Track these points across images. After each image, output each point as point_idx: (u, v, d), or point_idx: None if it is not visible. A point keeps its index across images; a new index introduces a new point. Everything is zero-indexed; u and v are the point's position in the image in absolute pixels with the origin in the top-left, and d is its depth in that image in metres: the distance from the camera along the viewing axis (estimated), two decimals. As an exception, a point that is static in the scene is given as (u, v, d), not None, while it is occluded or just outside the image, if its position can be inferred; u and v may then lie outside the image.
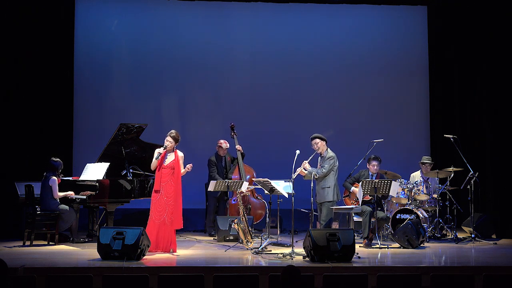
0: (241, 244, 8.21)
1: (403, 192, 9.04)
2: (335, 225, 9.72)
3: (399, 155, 10.96)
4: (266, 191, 8.08)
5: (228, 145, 9.84)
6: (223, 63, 11.28)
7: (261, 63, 11.31)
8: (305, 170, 8.23)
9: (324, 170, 8.26)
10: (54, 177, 8.53)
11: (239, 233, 8.03)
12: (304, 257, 7.24)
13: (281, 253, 7.47)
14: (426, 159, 9.61)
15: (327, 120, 11.25)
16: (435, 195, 9.26)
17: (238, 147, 9.82)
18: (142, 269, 6.55)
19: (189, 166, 7.80)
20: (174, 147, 7.87)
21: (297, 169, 8.10)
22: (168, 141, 7.81)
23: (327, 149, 8.46)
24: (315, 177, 8.20)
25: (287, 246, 8.06)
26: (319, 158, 8.53)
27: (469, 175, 9.16)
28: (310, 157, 8.24)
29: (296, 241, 8.20)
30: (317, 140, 8.41)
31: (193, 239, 9.25)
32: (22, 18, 10.26)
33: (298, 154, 7.98)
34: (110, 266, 6.63)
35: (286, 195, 7.93)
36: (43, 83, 10.44)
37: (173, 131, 7.89)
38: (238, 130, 10.09)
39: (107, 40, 11.10)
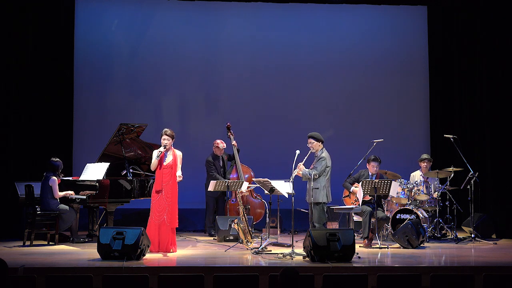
0: (241, 244, 8.21)
1: (403, 192, 9.03)
2: (335, 225, 9.73)
3: (399, 155, 10.96)
4: (266, 191, 8.07)
5: (225, 145, 9.83)
6: (223, 63, 11.29)
7: (261, 63, 11.31)
8: (301, 171, 8.16)
9: (316, 172, 8.16)
10: (54, 177, 8.53)
11: (239, 233, 8.02)
12: (304, 257, 7.24)
13: (281, 253, 7.46)
14: (425, 156, 9.58)
15: (327, 120, 11.25)
16: (435, 195, 9.26)
17: (233, 142, 9.82)
18: (142, 269, 6.55)
19: (178, 178, 7.82)
20: (171, 145, 7.88)
21: (294, 171, 8.06)
22: (166, 140, 7.80)
23: (322, 149, 8.30)
24: (308, 177, 8.13)
25: (287, 246, 8.05)
26: (315, 157, 8.43)
27: (469, 175, 9.15)
28: (305, 158, 8.14)
29: (296, 241, 8.19)
30: (311, 140, 8.27)
31: (193, 239, 9.25)
32: (22, 18, 10.26)
33: (298, 154, 7.96)
34: (110, 266, 6.62)
35: (286, 195, 7.92)
36: (43, 83, 10.45)
37: (167, 129, 7.88)
38: (238, 130, 10.10)
39: (107, 40, 11.10)
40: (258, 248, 7.74)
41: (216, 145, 9.81)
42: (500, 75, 10.56)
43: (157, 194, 7.76)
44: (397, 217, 8.85)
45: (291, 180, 7.94)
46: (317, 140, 8.28)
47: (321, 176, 8.16)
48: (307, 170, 8.14)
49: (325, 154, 8.27)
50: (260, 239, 8.15)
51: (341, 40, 11.40)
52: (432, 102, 11.38)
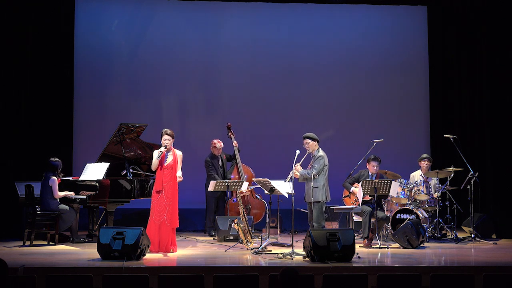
0: (241, 244, 8.21)
1: (403, 192, 9.03)
2: (335, 225, 9.73)
3: (399, 155, 10.96)
4: (266, 191, 8.07)
5: (222, 144, 9.82)
6: (222, 63, 11.29)
7: (261, 63, 11.31)
8: (298, 172, 8.15)
9: (314, 171, 8.14)
10: (54, 177, 8.53)
11: (239, 233, 8.02)
12: (304, 257, 7.23)
13: (281, 253, 7.46)
14: (425, 155, 9.59)
15: (327, 120, 11.25)
16: (435, 195, 9.26)
17: (234, 143, 9.81)
18: (142, 269, 6.55)
19: (178, 178, 7.82)
20: (171, 145, 7.88)
21: (290, 172, 8.05)
22: (167, 140, 7.81)
23: (318, 148, 8.28)
24: (307, 177, 8.11)
25: (287, 246, 8.05)
26: (312, 157, 8.43)
27: (469, 175, 9.15)
28: (302, 159, 8.11)
29: (296, 241, 8.19)
30: (308, 140, 8.25)
31: (193, 239, 9.25)
32: (22, 18, 10.25)
33: (298, 154, 7.95)
34: (110, 266, 6.62)
35: (286, 195, 7.92)
36: (43, 83, 10.46)
37: (167, 129, 7.88)
38: (238, 130, 10.10)
39: (107, 40, 11.10)
40: (258, 248, 7.74)
41: (214, 145, 9.81)
42: (500, 75, 10.56)
43: (158, 194, 7.76)
44: (397, 217, 8.85)
45: (287, 180, 7.94)
46: (313, 140, 8.26)
47: (320, 175, 8.16)
48: (305, 170, 8.14)
49: (321, 153, 8.26)
50: (260, 239, 8.15)
51: (341, 40, 11.40)
52: (432, 102, 11.39)
